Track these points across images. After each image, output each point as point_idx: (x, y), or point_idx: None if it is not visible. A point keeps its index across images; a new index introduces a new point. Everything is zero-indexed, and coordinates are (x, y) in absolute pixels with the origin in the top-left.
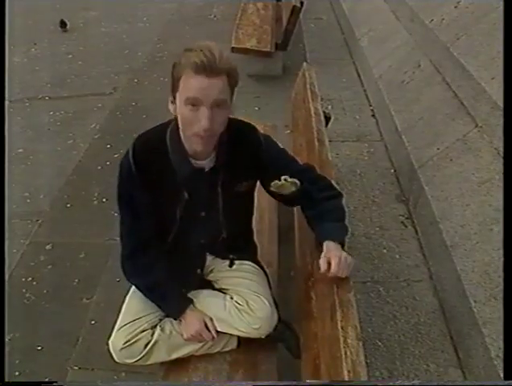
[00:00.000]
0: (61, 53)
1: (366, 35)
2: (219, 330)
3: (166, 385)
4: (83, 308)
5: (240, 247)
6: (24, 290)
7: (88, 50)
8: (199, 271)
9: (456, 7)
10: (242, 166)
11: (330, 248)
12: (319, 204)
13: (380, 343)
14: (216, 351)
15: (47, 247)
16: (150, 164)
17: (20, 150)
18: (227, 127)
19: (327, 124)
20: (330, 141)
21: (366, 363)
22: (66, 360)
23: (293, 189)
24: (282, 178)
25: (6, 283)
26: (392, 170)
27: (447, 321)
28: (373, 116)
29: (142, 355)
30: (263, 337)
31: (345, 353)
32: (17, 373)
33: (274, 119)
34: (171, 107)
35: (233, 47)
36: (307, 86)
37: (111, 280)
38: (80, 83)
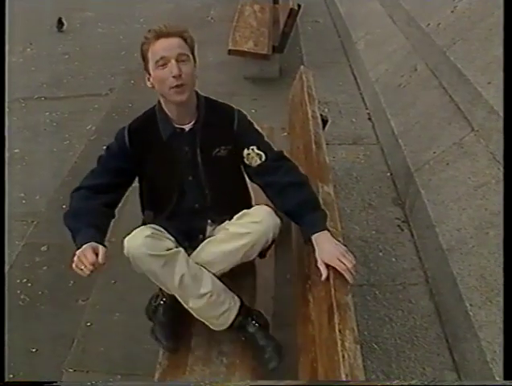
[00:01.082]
0: (57, 53)
1: (363, 39)
2: (215, 270)
3: None
4: (78, 310)
5: (234, 209)
6: (19, 292)
7: (85, 50)
8: (201, 237)
9: (452, 12)
10: (218, 130)
11: (321, 245)
12: (287, 194)
13: (376, 346)
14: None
15: (43, 248)
16: (141, 135)
17: (16, 151)
18: (205, 98)
19: (324, 127)
20: (327, 144)
21: (364, 366)
22: (61, 362)
23: (258, 161)
24: (251, 147)
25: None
26: (388, 174)
27: (443, 324)
28: (369, 119)
29: (163, 252)
30: (269, 239)
31: (343, 356)
32: (11, 375)
33: (270, 121)
34: (148, 83)
35: (230, 50)
36: (305, 89)
37: (107, 282)
38: (77, 83)
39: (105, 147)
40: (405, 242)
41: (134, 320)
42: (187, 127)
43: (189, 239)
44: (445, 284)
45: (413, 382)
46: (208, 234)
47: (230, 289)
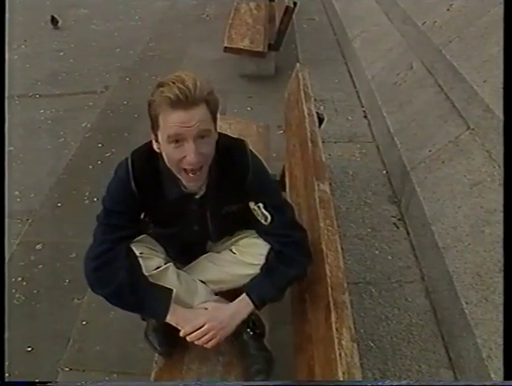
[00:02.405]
0: (52, 50)
1: (359, 37)
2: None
3: (158, 385)
4: (74, 308)
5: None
6: (14, 290)
7: (80, 47)
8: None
9: (448, 10)
10: (230, 192)
11: (227, 307)
12: (273, 258)
13: (372, 344)
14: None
15: (38, 246)
16: (146, 183)
17: (10, 148)
18: (217, 151)
19: (320, 125)
20: (322, 141)
21: (361, 364)
22: (57, 361)
23: (263, 222)
24: (257, 204)
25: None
26: (384, 172)
27: (438, 322)
28: (365, 117)
29: (152, 272)
30: None
31: (340, 355)
32: (7, 374)
33: (266, 119)
34: (155, 145)
35: (225, 47)
36: (301, 87)
37: None
38: (72, 81)
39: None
40: (401, 240)
41: (130, 319)
42: (197, 192)
43: (186, 256)
44: (441, 282)
45: (412, 382)
46: (207, 250)
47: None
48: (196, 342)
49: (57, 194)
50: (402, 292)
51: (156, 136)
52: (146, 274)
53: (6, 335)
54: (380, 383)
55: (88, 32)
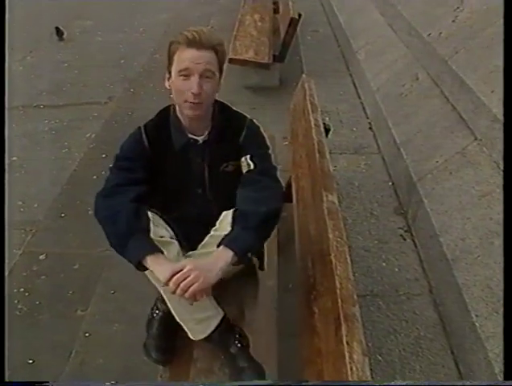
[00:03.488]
0: (57, 61)
1: (363, 48)
2: None
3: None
4: (77, 320)
5: None
6: (16, 301)
7: (84, 59)
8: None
9: (454, 21)
10: (227, 145)
11: (214, 255)
12: (242, 202)
13: (380, 358)
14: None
15: (41, 257)
16: (156, 139)
17: (14, 158)
18: (221, 110)
19: (327, 135)
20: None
21: (372, 378)
22: (59, 374)
23: (245, 170)
24: (246, 156)
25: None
26: (390, 183)
27: (448, 335)
28: (370, 128)
29: (156, 238)
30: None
31: (351, 369)
32: None
33: (271, 131)
34: (166, 83)
35: (230, 58)
36: (307, 97)
37: (106, 291)
38: (76, 91)
39: (116, 153)
40: (408, 252)
41: (134, 331)
42: (200, 138)
43: (190, 241)
44: (450, 294)
45: (410, 382)
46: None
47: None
48: (177, 292)
49: (61, 204)
50: (410, 305)
51: (170, 73)
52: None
53: (8, 347)
54: (386, 384)
55: (92, 44)
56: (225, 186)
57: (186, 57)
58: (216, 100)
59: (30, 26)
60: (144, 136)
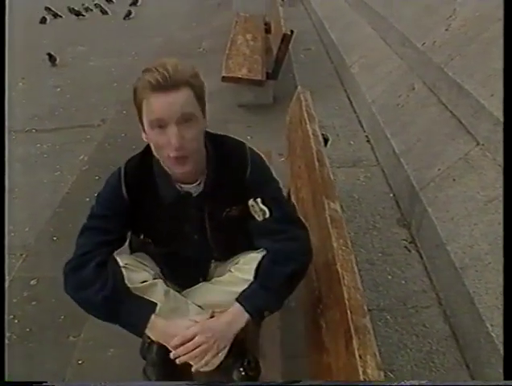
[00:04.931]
0: (49, 86)
1: (357, 62)
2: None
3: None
4: (69, 346)
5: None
6: (6, 329)
7: (77, 83)
8: (201, 279)
9: (447, 30)
10: (229, 191)
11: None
12: (266, 259)
13: (392, 375)
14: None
15: (32, 282)
16: (139, 188)
17: (5, 182)
18: (215, 147)
19: (326, 144)
20: None
21: None
22: None
23: (261, 218)
24: (256, 199)
25: None
26: (391, 195)
27: (461, 348)
28: (367, 141)
29: (137, 285)
30: None
31: None
32: None
33: (267, 148)
34: (143, 136)
35: (223, 77)
36: (303, 108)
37: None
38: (68, 115)
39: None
40: (414, 263)
41: (130, 357)
42: (194, 191)
43: (179, 278)
44: (461, 305)
45: (408, 382)
46: (210, 274)
47: None
48: (185, 358)
49: (53, 228)
50: (419, 318)
51: (143, 125)
52: (130, 286)
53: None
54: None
55: (85, 68)
56: (229, 230)
57: (155, 106)
58: (207, 133)
59: (22, 53)
60: (123, 186)
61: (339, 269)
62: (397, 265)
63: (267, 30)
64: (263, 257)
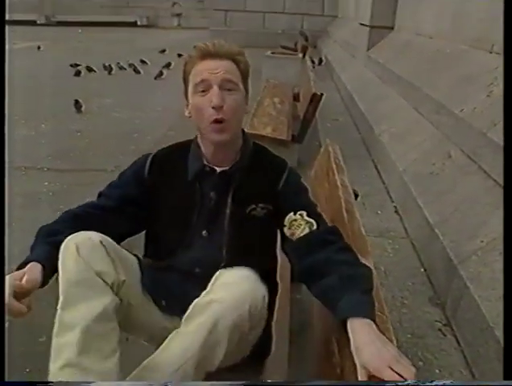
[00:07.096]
0: (70, 130)
1: (387, 132)
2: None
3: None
4: None
5: None
6: None
7: (98, 130)
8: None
9: (488, 96)
10: (260, 183)
11: (360, 339)
12: (337, 269)
13: None
14: None
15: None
16: (165, 166)
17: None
18: (255, 148)
19: (356, 199)
20: None
21: None
22: None
23: (307, 230)
24: (299, 212)
25: None
26: (422, 269)
27: None
28: (396, 212)
29: None
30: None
31: None
32: None
33: None
34: (186, 112)
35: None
36: (332, 159)
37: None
38: (83, 158)
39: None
40: (450, 350)
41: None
42: (219, 168)
43: (182, 305)
44: None
45: (409, 382)
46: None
47: None
48: None
49: None
50: None
51: (187, 98)
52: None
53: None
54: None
55: (108, 118)
56: (248, 232)
57: (201, 70)
58: (247, 137)
59: (51, 99)
60: (147, 165)
61: None
62: (430, 351)
63: (295, 98)
64: (329, 269)
